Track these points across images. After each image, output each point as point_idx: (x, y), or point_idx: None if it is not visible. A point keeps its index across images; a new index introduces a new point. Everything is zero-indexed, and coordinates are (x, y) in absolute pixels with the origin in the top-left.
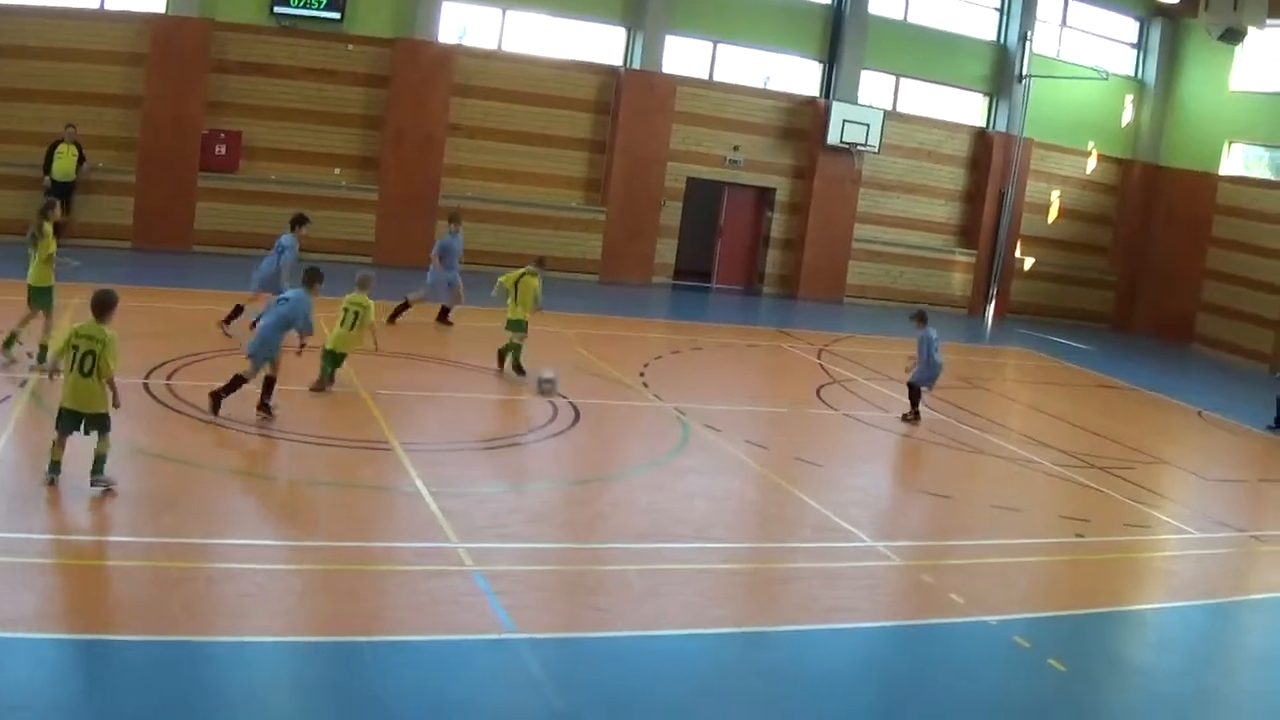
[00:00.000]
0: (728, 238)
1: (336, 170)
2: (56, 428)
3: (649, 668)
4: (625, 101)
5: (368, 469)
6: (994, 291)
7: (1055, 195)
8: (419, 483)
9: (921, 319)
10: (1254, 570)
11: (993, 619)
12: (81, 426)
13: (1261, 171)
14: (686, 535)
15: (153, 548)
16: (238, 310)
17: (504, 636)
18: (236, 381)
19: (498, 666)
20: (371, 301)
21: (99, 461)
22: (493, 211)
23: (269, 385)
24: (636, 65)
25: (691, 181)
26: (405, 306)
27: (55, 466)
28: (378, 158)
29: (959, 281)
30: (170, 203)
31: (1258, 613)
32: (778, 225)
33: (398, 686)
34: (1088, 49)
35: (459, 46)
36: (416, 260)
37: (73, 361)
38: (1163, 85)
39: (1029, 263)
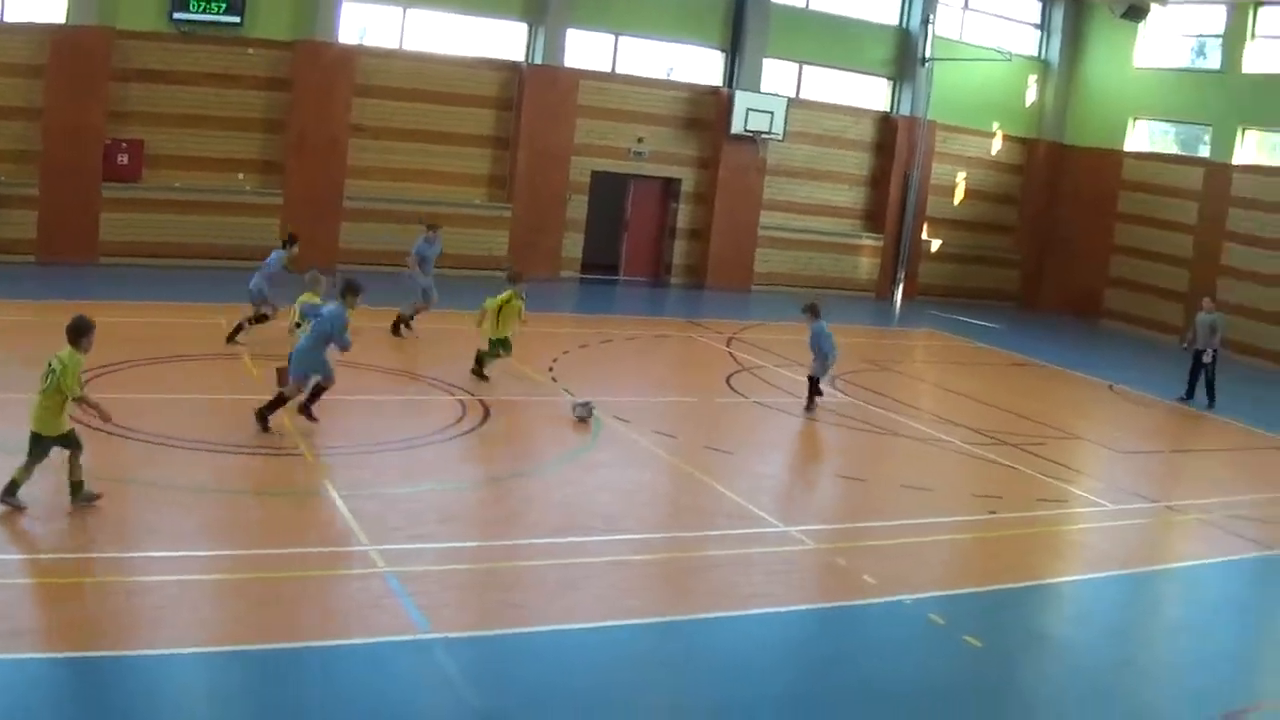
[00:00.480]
0: (634, 230)
1: (240, 175)
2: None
3: (566, 662)
4: (528, 97)
5: (279, 475)
6: (901, 274)
7: (961, 177)
8: (331, 487)
9: (813, 312)
10: (1168, 540)
11: (907, 598)
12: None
13: (1167, 146)
14: (599, 528)
15: (69, 563)
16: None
17: (420, 637)
18: (279, 399)
19: (415, 667)
20: (319, 299)
21: (12, 484)
22: (398, 211)
23: (318, 391)
24: (538, 60)
25: (596, 175)
26: (411, 317)
27: (74, 488)
28: (281, 162)
29: (866, 265)
30: (74, 215)
31: (1173, 582)
32: (684, 216)
33: (316, 692)
34: (990, 31)
35: (360, 47)
36: (321, 263)
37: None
38: (1066, 64)
39: (936, 244)
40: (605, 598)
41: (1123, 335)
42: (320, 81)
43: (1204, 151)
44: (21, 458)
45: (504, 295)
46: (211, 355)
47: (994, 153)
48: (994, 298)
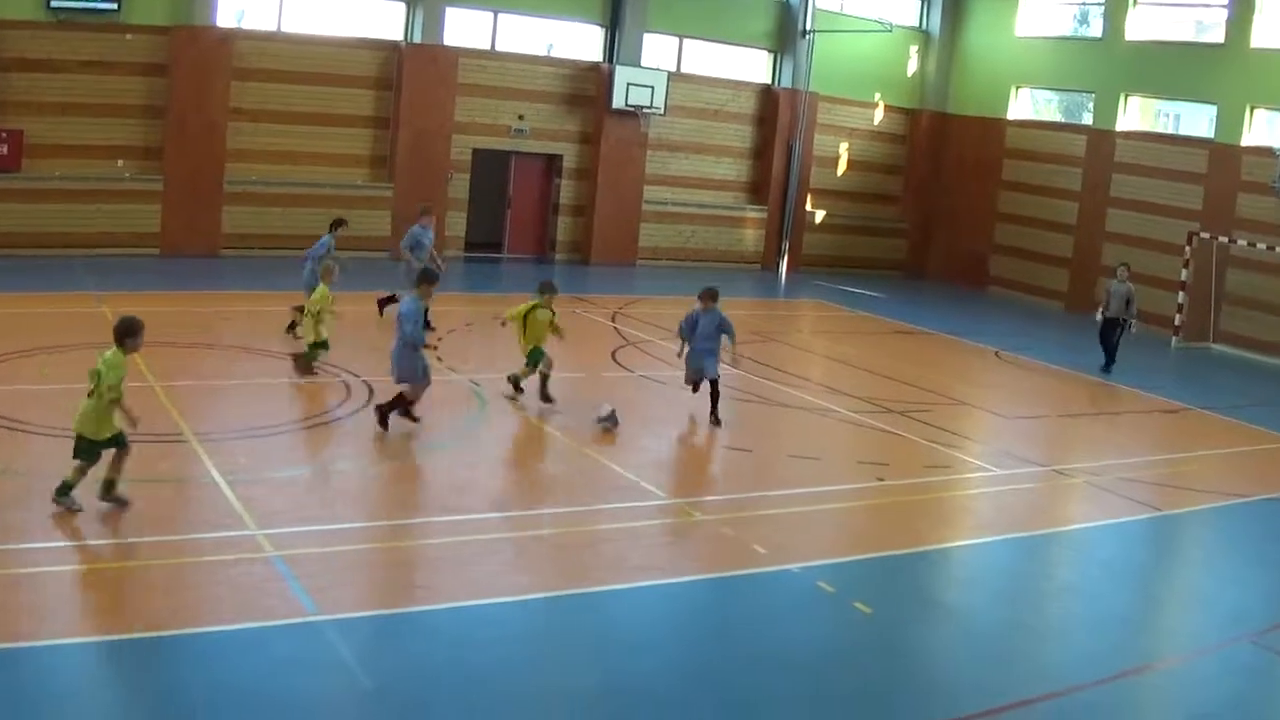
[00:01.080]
0: (517, 207)
1: (120, 162)
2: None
3: (455, 639)
4: (407, 76)
5: (163, 463)
6: (786, 246)
7: (844, 148)
8: (215, 472)
9: (712, 298)
10: (1057, 504)
11: (796, 567)
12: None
13: (1051, 114)
14: (487, 506)
15: None
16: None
17: (309, 619)
18: (399, 400)
19: (303, 650)
20: (326, 289)
21: (65, 485)
22: (279, 194)
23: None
24: (417, 39)
25: (478, 153)
26: (393, 299)
27: (106, 485)
28: (161, 147)
29: (751, 238)
30: None
31: (1063, 545)
32: (567, 191)
33: (206, 678)
34: (871, 2)
35: (237, 30)
36: (203, 248)
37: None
38: (948, 34)
39: (820, 215)
40: (495, 574)
41: (1009, 302)
42: (198, 66)
43: (1087, 119)
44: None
45: (526, 305)
46: (96, 344)
47: (876, 123)
48: (880, 267)
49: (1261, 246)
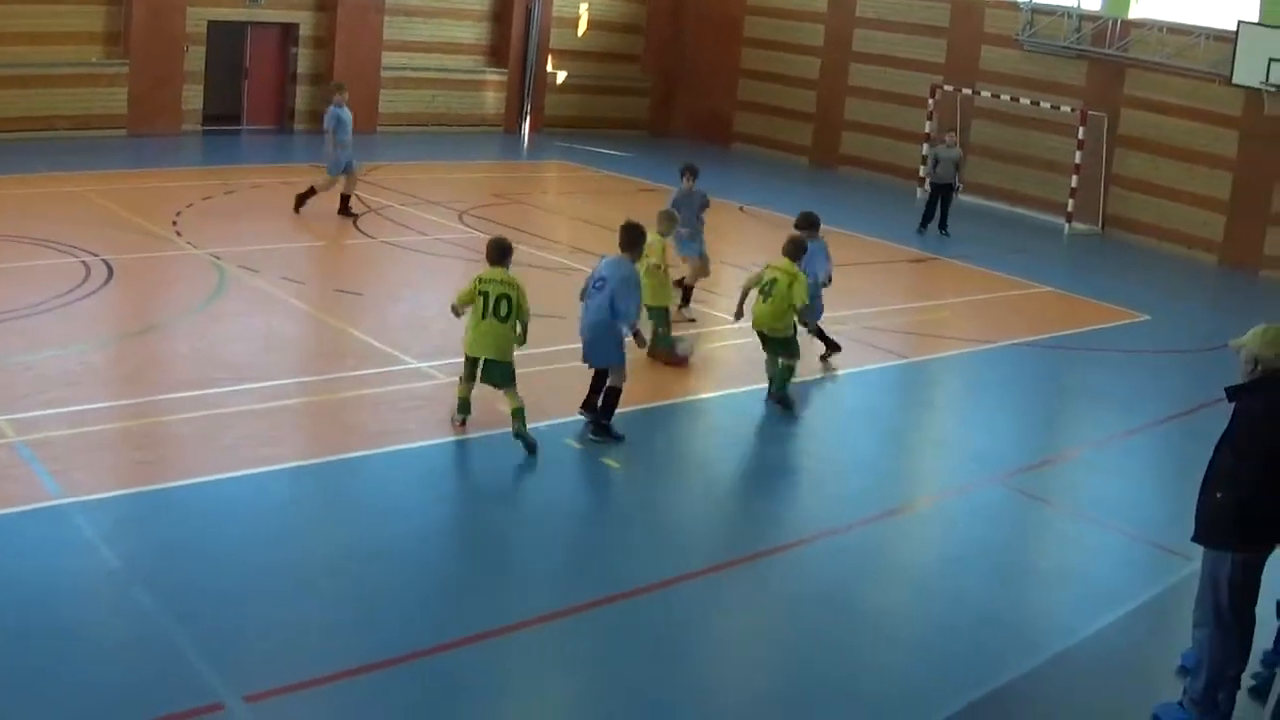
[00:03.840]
0: (255, 78)
1: None
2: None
3: (204, 513)
4: None
5: None
6: (528, 108)
7: (584, 8)
8: None
9: (812, 226)
10: (804, 351)
11: (544, 424)
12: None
13: None
14: (229, 379)
15: None
16: None
17: (54, 503)
18: (611, 394)
19: (50, 535)
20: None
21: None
22: (9, 76)
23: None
24: None
25: (213, 24)
26: (311, 194)
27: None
28: None
29: (492, 100)
30: None
31: (808, 393)
32: (304, 61)
33: None
34: None
35: None
36: None
37: (485, 307)
38: None
39: (561, 76)
40: (240, 448)
41: (754, 158)
42: None
43: None
44: None
45: (774, 271)
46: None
47: None
48: (624, 126)
49: (1005, 98)
